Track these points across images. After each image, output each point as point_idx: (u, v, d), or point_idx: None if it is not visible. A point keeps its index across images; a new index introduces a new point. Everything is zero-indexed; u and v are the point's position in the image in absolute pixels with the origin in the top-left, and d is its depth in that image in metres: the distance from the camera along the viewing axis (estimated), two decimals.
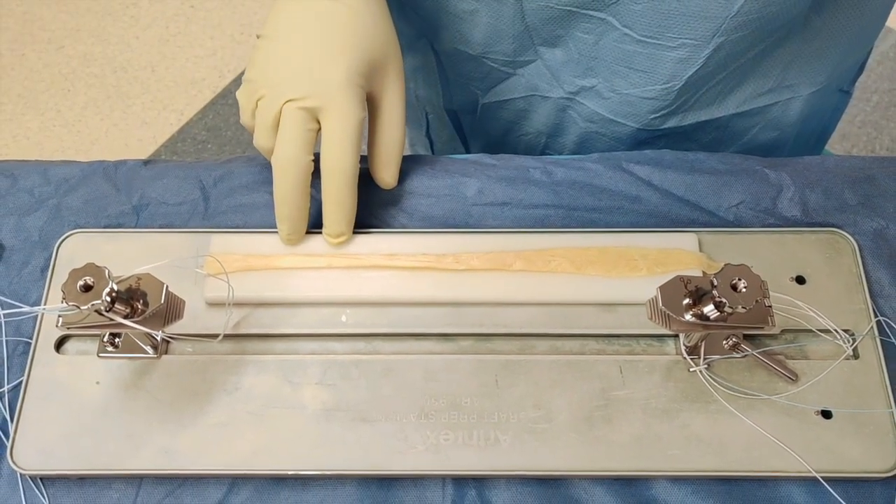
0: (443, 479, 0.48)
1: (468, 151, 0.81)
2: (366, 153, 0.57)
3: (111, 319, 0.43)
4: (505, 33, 0.60)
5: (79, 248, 0.55)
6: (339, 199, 0.52)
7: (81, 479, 0.48)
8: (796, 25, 0.58)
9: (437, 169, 0.59)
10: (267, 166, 0.59)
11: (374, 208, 0.57)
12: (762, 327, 0.44)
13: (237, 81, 1.79)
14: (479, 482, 0.48)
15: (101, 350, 0.51)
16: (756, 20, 0.54)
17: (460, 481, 0.48)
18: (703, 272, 0.52)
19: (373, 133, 0.56)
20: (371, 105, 0.55)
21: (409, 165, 0.59)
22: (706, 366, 0.49)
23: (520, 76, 0.65)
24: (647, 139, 0.66)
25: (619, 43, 0.58)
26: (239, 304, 0.52)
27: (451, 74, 0.69)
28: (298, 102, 0.50)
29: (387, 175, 0.56)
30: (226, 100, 1.77)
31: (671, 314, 0.44)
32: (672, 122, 0.65)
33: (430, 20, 0.62)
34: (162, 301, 0.44)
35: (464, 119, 0.76)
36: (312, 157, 0.51)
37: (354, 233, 0.55)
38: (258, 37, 0.53)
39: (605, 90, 0.63)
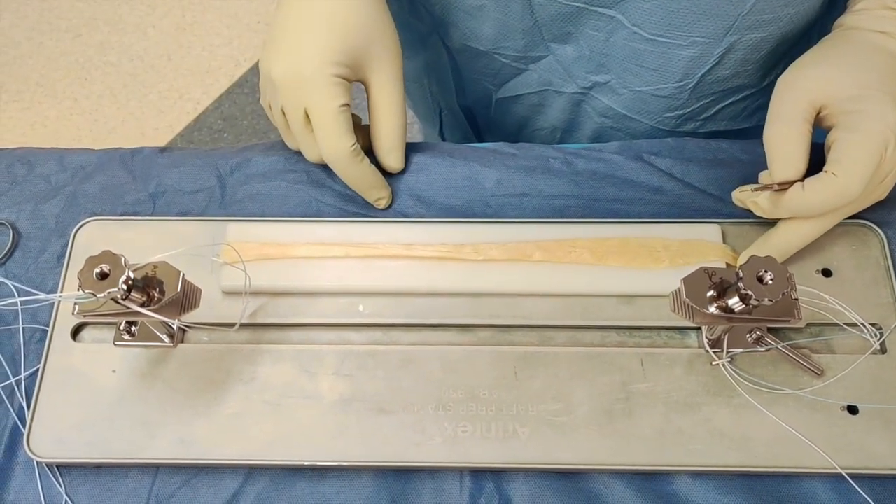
0: (460, 471, 0.47)
1: None
2: None
3: (127, 307, 0.43)
4: (514, 29, 0.59)
5: (95, 236, 0.55)
6: (349, 178, 0.54)
7: (97, 468, 0.48)
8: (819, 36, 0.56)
9: (457, 158, 0.58)
10: (284, 154, 0.59)
11: (392, 198, 0.57)
12: (788, 321, 0.43)
13: (253, 70, 1.79)
14: (498, 475, 0.47)
15: (118, 338, 0.50)
16: (772, 21, 0.53)
17: (478, 474, 0.47)
18: (727, 264, 0.51)
19: (370, 119, 0.56)
20: (366, 92, 0.55)
21: (427, 155, 0.59)
22: (729, 359, 0.49)
23: (532, 71, 0.64)
24: (663, 138, 0.65)
25: (630, 41, 0.57)
26: (255, 293, 0.52)
27: (464, 70, 0.68)
28: (288, 107, 0.52)
29: (389, 161, 0.56)
30: (242, 89, 1.76)
31: (695, 306, 0.43)
32: (690, 126, 0.64)
33: (441, 16, 0.61)
34: (178, 289, 0.44)
35: (478, 115, 0.76)
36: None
37: (372, 222, 0.55)
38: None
39: (619, 86, 0.62)
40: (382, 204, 0.56)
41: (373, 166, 0.54)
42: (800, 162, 0.47)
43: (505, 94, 0.69)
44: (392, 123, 0.55)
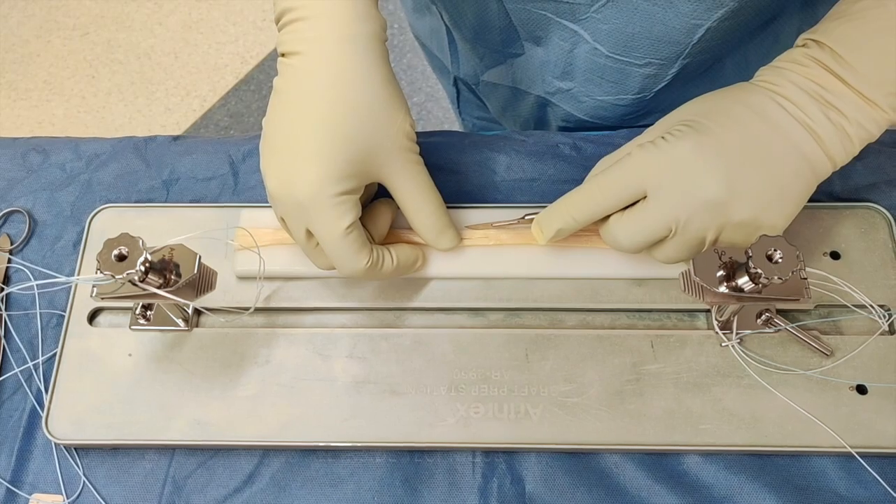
0: (473, 451, 0.48)
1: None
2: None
3: (144, 289, 0.43)
4: (492, 25, 0.60)
5: (110, 223, 0.55)
6: (375, 277, 0.49)
7: (115, 450, 0.49)
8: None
9: (466, 144, 0.59)
10: None
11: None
12: (797, 300, 0.44)
13: (260, 67, 1.80)
14: (510, 455, 0.48)
15: (134, 322, 0.51)
16: (720, 45, 0.54)
17: (490, 454, 0.48)
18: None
19: (403, 211, 0.50)
20: (387, 187, 0.48)
21: (438, 141, 0.59)
22: (739, 340, 0.49)
23: (508, 66, 0.66)
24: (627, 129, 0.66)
25: (591, 55, 0.58)
26: (269, 278, 0.52)
27: (459, 44, 0.70)
28: (293, 226, 0.46)
29: (444, 245, 0.51)
30: (248, 86, 1.77)
31: (705, 286, 0.44)
32: (651, 119, 0.64)
33: None
34: (195, 271, 0.45)
35: (469, 88, 0.78)
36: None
37: None
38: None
39: (581, 94, 0.63)
40: (419, 270, 0.52)
41: (395, 258, 0.49)
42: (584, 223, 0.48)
43: (488, 79, 0.70)
44: (429, 213, 0.49)
